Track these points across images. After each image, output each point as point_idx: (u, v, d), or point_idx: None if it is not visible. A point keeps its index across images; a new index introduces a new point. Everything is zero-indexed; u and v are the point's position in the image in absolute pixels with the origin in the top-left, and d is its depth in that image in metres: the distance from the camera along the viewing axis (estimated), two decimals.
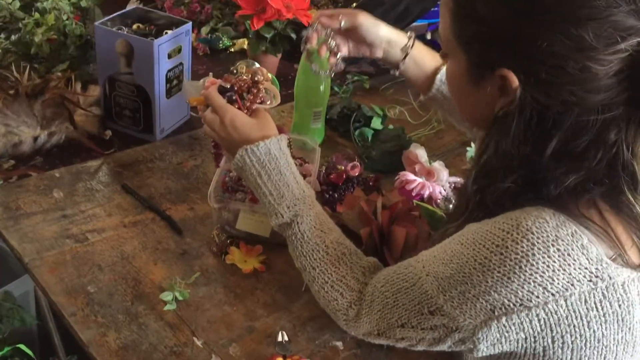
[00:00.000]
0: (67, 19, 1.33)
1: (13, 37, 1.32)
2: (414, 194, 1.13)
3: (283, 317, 0.94)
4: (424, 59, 1.07)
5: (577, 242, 0.66)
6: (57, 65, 1.33)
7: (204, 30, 1.65)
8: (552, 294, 0.66)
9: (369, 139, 1.32)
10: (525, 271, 0.66)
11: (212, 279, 0.99)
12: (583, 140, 0.68)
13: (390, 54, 1.06)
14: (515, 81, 0.68)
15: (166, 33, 1.24)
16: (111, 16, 1.26)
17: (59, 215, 1.07)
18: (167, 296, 0.93)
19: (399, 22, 1.47)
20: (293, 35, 1.46)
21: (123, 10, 1.30)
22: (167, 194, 1.15)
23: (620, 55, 0.64)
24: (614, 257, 0.67)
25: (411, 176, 1.15)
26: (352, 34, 1.04)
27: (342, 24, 1.02)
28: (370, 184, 1.18)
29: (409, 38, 1.05)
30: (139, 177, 1.18)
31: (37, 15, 1.29)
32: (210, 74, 1.01)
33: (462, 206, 0.77)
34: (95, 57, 1.29)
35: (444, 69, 1.05)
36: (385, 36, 1.05)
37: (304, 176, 0.94)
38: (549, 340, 0.68)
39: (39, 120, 1.20)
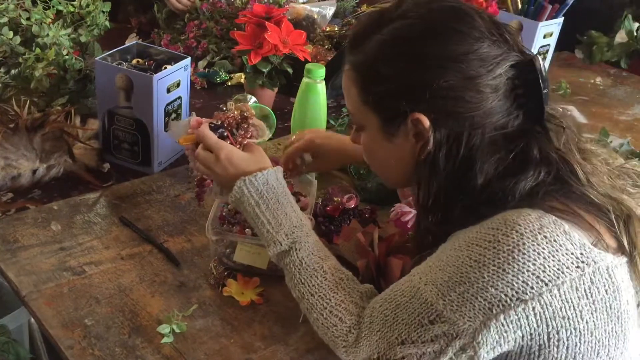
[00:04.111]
0: (67, 54, 1.35)
1: (13, 72, 1.34)
2: (409, 225, 1.14)
3: (281, 349, 0.94)
4: None
5: (559, 228, 0.72)
6: (56, 99, 1.35)
7: (201, 64, 1.68)
8: (545, 283, 0.70)
9: (365, 171, 1.34)
10: (519, 260, 0.70)
11: (210, 311, 0.99)
12: (504, 154, 0.77)
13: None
14: (426, 121, 0.78)
15: (165, 68, 1.27)
16: (111, 51, 1.28)
17: (56, 248, 1.07)
18: (164, 329, 0.93)
19: None
20: (289, 70, 1.49)
21: (123, 46, 1.32)
22: (164, 226, 1.16)
23: (501, 79, 0.77)
24: (594, 242, 0.73)
25: (407, 208, 1.16)
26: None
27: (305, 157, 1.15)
28: (367, 215, 1.18)
29: None
30: (137, 209, 1.19)
31: (38, 50, 1.31)
32: (193, 113, 1.04)
33: (421, 241, 0.86)
34: (94, 91, 1.31)
35: None
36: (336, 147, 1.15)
37: (302, 209, 0.95)
38: (545, 338, 0.71)
39: (38, 153, 1.21)
